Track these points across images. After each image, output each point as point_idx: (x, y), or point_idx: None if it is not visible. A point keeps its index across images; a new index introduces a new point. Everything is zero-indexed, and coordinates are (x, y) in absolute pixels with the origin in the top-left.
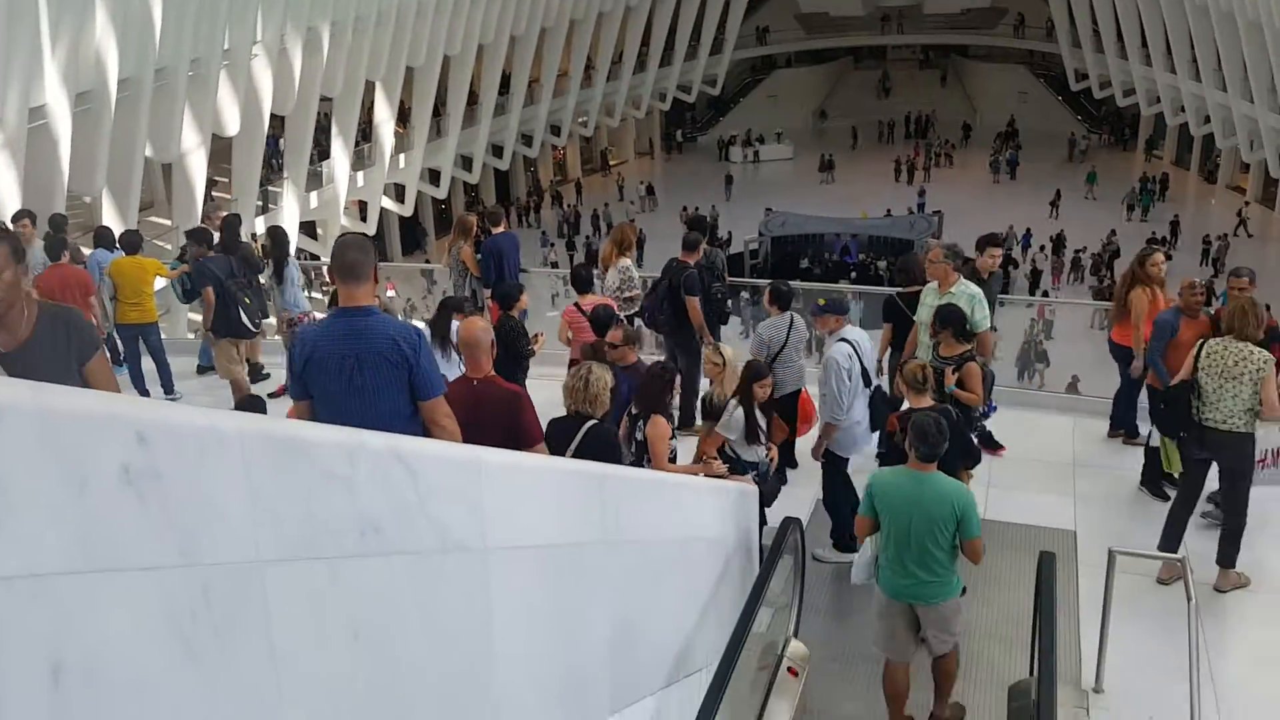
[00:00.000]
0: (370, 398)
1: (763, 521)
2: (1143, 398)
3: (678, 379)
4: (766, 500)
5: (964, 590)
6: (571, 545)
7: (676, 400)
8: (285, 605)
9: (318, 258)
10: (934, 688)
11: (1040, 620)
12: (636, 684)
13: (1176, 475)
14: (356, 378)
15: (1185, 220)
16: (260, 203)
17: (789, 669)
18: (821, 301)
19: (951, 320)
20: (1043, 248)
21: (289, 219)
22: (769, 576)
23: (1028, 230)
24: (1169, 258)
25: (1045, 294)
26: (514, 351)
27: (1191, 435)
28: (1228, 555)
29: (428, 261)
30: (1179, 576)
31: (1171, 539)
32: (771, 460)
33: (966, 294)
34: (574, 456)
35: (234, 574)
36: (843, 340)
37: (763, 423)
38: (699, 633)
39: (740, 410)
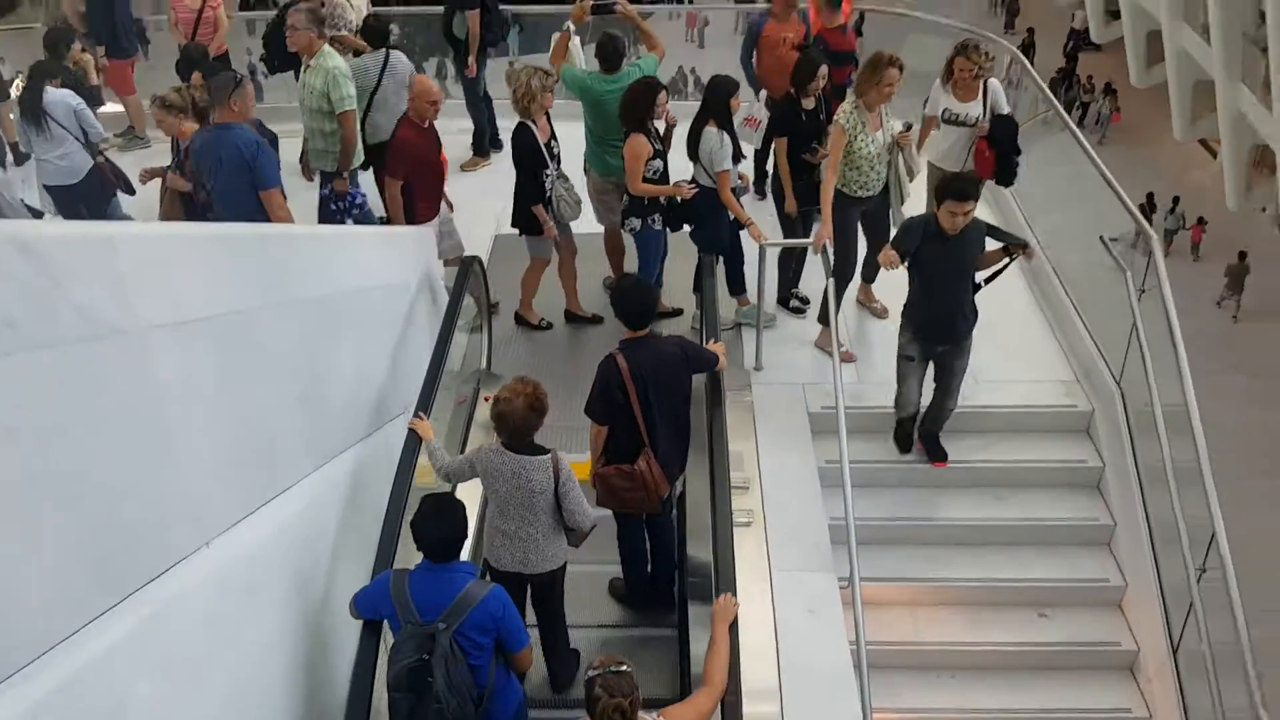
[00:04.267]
0: (227, 190)
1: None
2: None
3: (663, 95)
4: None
5: None
6: (239, 312)
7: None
8: None
9: None
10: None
11: (703, 316)
12: (335, 439)
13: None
14: (219, 175)
15: None
16: None
17: (485, 398)
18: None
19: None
20: None
21: None
22: (455, 316)
23: None
24: None
25: None
26: None
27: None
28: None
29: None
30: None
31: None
32: (745, 183)
33: (324, 67)
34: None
35: None
36: None
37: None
38: (392, 380)
39: (724, 133)
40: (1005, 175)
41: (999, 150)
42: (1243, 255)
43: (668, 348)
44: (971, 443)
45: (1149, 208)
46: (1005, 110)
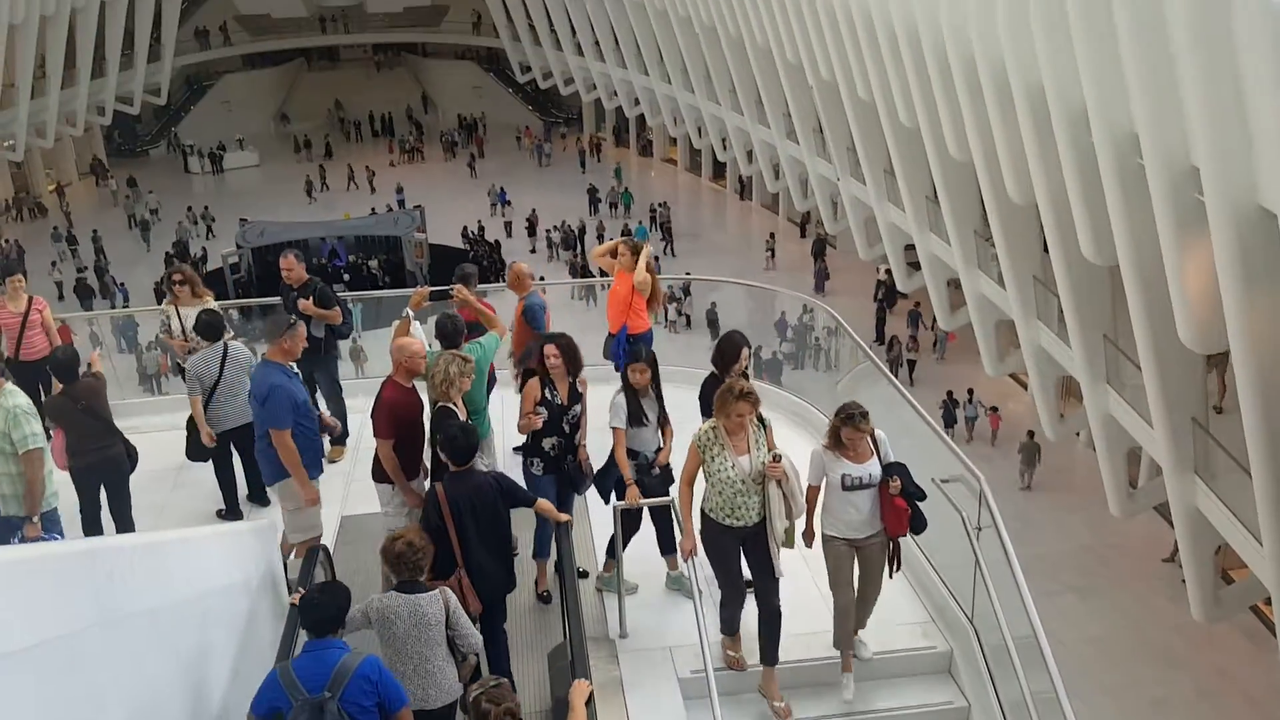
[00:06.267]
0: (258, 417)
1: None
2: None
3: (547, 348)
4: (649, 491)
5: None
6: (65, 637)
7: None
8: None
9: None
10: None
11: (564, 587)
12: None
13: None
14: (254, 404)
15: (632, 189)
16: None
17: None
18: None
19: None
20: (509, 223)
21: None
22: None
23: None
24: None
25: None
26: None
27: None
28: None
29: None
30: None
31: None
32: (661, 451)
33: (3, 406)
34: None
35: None
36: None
37: (650, 411)
38: (234, 688)
39: (620, 394)
40: (920, 522)
41: (911, 500)
42: (1031, 434)
43: (484, 480)
44: (837, 697)
45: (951, 404)
46: (893, 457)
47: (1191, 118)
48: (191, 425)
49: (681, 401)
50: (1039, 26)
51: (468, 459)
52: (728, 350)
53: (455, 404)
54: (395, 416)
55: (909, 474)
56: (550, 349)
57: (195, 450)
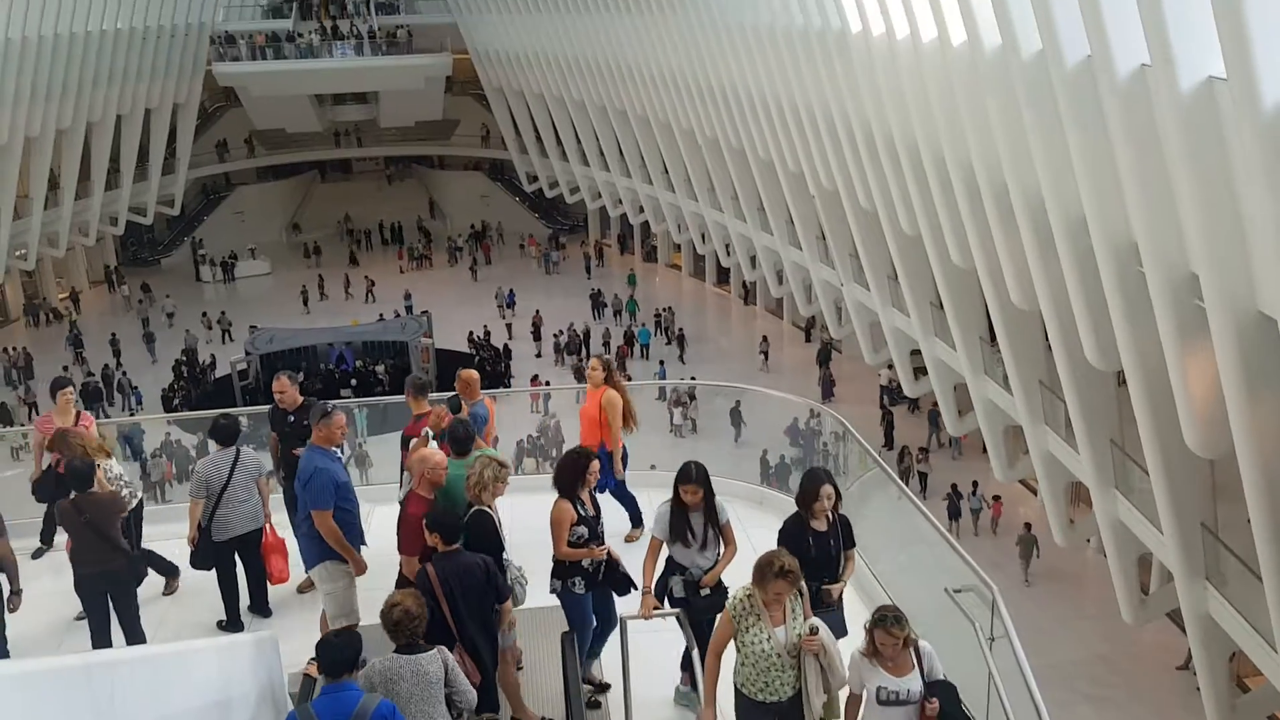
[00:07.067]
0: (299, 500)
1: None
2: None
3: (593, 464)
4: (698, 612)
5: None
6: None
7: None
8: None
9: None
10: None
11: (569, 700)
12: None
13: None
14: (299, 486)
15: (637, 294)
16: None
17: None
18: None
19: None
20: (509, 325)
21: None
22: None
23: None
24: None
25: (535, 376)
26: None
27: None
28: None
29: None
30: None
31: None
32: (714, 570)
33: None
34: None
35: None
36: None
37: (697, 527)
38: None
39: (666, 507)
40: None
41: None
42: (1028, 526)
43: (472, 559)
44: None
45: (956, 496)
46: (941, 674)
47: (1189, 226)
48: (200, 532)
49: None
50: (1035, 137)
51: (456, 537)
52: (808, 489)
53: (490, 507)
54: (420, 532)
55: (956, 695)
56: (595, 464)
57: (199, 558)
